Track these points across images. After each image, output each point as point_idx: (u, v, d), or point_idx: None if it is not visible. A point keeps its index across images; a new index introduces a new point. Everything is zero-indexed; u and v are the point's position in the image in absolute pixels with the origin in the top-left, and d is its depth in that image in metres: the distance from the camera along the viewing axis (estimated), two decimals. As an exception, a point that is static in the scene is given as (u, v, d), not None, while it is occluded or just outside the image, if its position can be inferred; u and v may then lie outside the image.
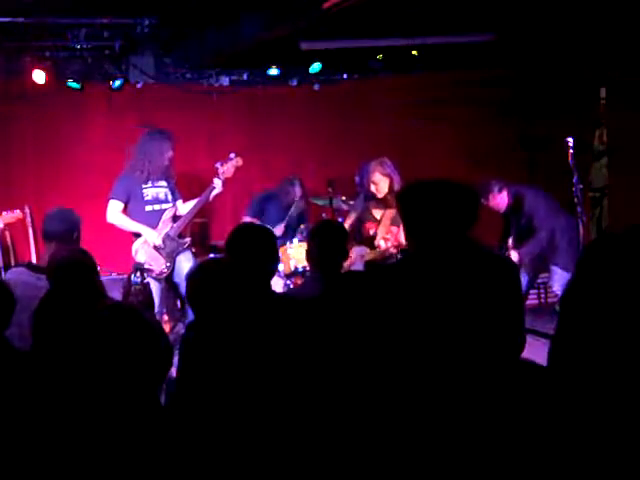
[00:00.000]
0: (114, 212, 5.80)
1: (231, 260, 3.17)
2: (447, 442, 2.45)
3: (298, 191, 6.97)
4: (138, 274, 6.30)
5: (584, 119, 7.60)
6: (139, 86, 7.43)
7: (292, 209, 6.78)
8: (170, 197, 5.90)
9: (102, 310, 2.47)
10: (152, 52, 7.43)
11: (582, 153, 6.25)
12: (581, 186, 5.86)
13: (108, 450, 2.17)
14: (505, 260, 2.75)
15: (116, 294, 6.40)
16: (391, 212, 5.88)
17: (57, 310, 2.62)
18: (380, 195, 5.91)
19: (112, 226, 6.15)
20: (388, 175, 5.90)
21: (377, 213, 6.03)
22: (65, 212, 4.02)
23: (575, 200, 5.71)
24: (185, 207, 6.00)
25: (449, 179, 2.75)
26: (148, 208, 5.79)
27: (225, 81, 7.83)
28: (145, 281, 5.83)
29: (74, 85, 6.91)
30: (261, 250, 3.22)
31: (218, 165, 6.02)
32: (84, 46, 6.58)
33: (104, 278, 6.14)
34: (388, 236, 5.89)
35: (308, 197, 7.02)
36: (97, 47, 6.67)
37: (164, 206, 5.84)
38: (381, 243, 5.91)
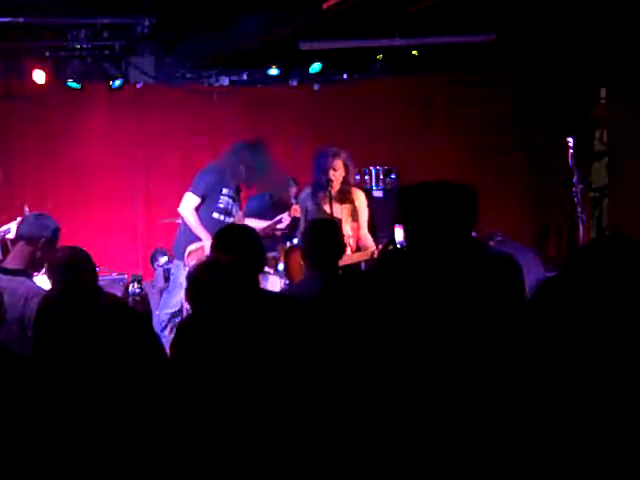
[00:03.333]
0: (188, 206, 5.67)
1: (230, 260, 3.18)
2: (446, 441, 2.45)
3: (294, 190, 7.01)
4: (136, 285, 6.32)
5: (584, 119, 7.60)
6: (139, 86, 7.44)
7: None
8: (235, 210, 5.79)
9: (101, 307, 2.48)
10: (152, 52, 7.44)
11: (582, 153, 6.26)
12: (581, 186, 5.87)
13: (109, 448, 2.17)
14: (508, 260, 2.74)
15: (116, 294, 6.42)
16: (348, 208, 5.52)
17: (60, 307, 2.61)
18: (336, 184, 5.44)
19: (112, 226, 6.16)
20: (347, 165, 5.51)
21: (335, 210, 5.45)
22: (39, 217, 3.90)
23: (575, 200, 5.71)
24: (254, 224, 5.71)
25: (448, 180, 2.75)
26: (215, 215, 5.69)
27: (225, 81, 7.84)
28: (143, 292, 5.84)
29: (74, 85, 6.91)
30: (245, 249, 3.23)
31: (294, 201, 5.86)
32: (84, 46, 6.57)
33: (104, 278, 6.19)
34: (351, 233, 5.46)
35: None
36: (97, 47, 6.67)
37: (229, 220, 5.72)
38: (350, 242, 5.41)
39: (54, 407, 2.29)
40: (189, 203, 5.68)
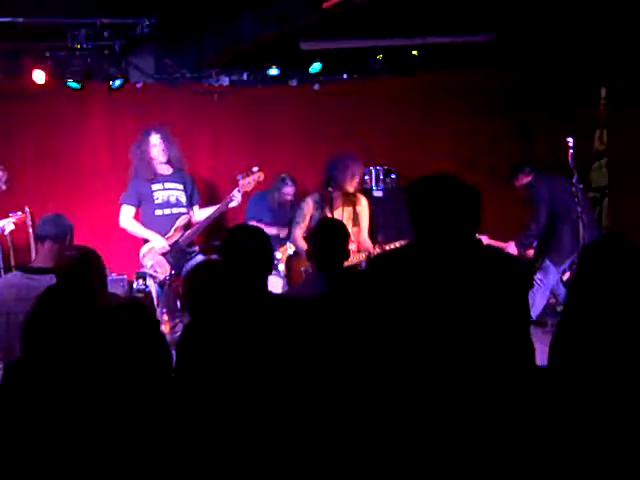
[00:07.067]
0: (125, 217, 5.71)
1: (226, 261, 3.16)
2: (449, 441, 2.45)
3: (290, 189, 7.00)
4: (140, 282, 6.33)
5: (584, 119, 7.60)
6: (139, 86, 7.45)
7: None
8: (183, 201, 5.74)
9: (107, 307, 2.47)
10: (152, 52, 7.44)
11: (582, 153, 6.26)
12: (581, 186, 5.87)
13: (109, 449, 2.17)
14: (511, 260, 2.72)
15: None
16: (350, 211, 5.60)
17: (55, 306, 2.61)
18: (351, 189, 5.55)
19: (111, 226, 6.15)
20: (362, 175, 5.71)
21: (337, 214, 5.54)
22: (59, 216, 4.10)
23: (575, 200, 5.71)
24: (201, 214, 5.81)
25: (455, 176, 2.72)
26: (158, 212, 5.68)
27: (225, 81, 7.84)
28: (147, 289, 5.86)
29: (74, 85, 6.91)
30: (255, 251, 3.21)
31: (239, 177, 5.78)
32: (84, 46, 6.57)
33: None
34: (352, 237, 5.28)
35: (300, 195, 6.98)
36: (97, 47, 6.67)
37: (175, 210, 5.70)
38: (352, 247, 5.31)
39: (53, 408, 2.29)
40: (126, 214, 5.72)
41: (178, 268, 5.59)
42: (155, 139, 5.70)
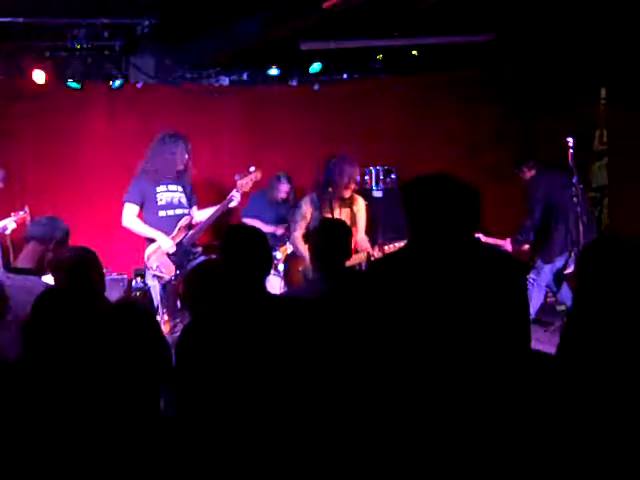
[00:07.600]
0: (129, 216, 5.62)
1: (225, 261, 3.16)
2: (451, 441, 2.45)
3: (284, 187, 7.00)
4: (139, 280, 6.31)
5: (584, 119, 7.60)
6: (139, 86, 7.45)
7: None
8: (185, 202, 5.71)
9: (108, 309, 2.47)
10: (152, 52, 7.44)
11: (582, 153, 6.27)
12: (581, 186, 5.88)
13: (108, 453, 2.17)
14: (508, 258, 2.72)
15: (116, 294, 6.42)
16: (347, 212, 5.61)
17: (56, 307, 2.61)
18: (347, 194, 5.58)
19: (111, 226, 6.14)
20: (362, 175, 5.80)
21: (335, 214, 5.55)
22: (51, 219, 4.00)
23: (575, 200, 5.72)
24: (200, 215, 5.78)
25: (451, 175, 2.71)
26: (162, 213, 5.61)
27: (225, 81, 7.84)
28: (146, 287, 5.83)
29: (74, 85, 6.91)
30: (253, 251, 3.20)
31: (237, 177, 5.74)
32: (84, 46, 6.56)
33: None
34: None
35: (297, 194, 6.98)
36: (97, 47, 6.66)
37: (177, 211, 5.64)
38: None
39: (39, 410, 2.29)
40: (130, 213, 5.62)
41: (182, 269, 5.57)
42: (188, 147, 5.68)
